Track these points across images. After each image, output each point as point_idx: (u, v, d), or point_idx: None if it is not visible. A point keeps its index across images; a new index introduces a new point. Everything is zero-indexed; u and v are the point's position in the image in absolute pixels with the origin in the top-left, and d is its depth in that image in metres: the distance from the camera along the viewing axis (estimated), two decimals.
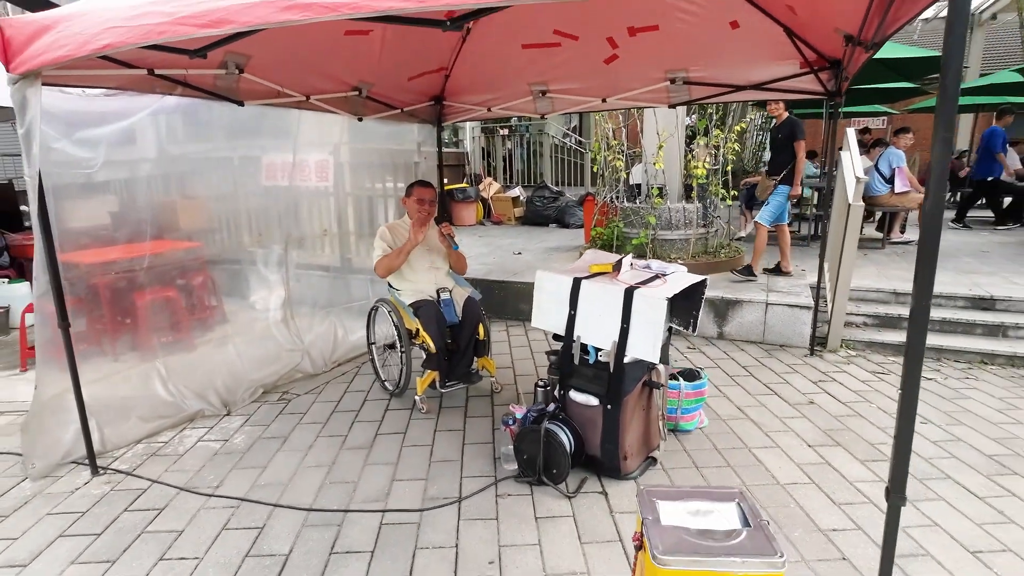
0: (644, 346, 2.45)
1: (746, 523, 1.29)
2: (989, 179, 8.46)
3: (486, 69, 4.64)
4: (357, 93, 4.25)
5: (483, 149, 11.60)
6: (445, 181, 10.39)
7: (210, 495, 2.63)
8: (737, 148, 5.97)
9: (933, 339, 4.35)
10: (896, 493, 1.48)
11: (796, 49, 3.58)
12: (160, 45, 2.07)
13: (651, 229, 5.65)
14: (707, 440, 3.08)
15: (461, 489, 2.65)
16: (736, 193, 6.31)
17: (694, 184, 5.72)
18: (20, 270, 5.95)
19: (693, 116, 6.62)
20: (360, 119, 4.50)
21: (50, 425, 2.90)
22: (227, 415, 3.49)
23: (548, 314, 2.73)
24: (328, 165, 4.71)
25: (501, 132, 11.31)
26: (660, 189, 5.82)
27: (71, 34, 2.14)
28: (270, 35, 2.69)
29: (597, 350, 2.60)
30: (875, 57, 6.08)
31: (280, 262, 4.36)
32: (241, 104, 3.53)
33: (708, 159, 5.67)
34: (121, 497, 2.62)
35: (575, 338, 2.64)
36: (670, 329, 2.95)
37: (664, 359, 2.87)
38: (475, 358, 3.61)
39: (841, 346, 4.44)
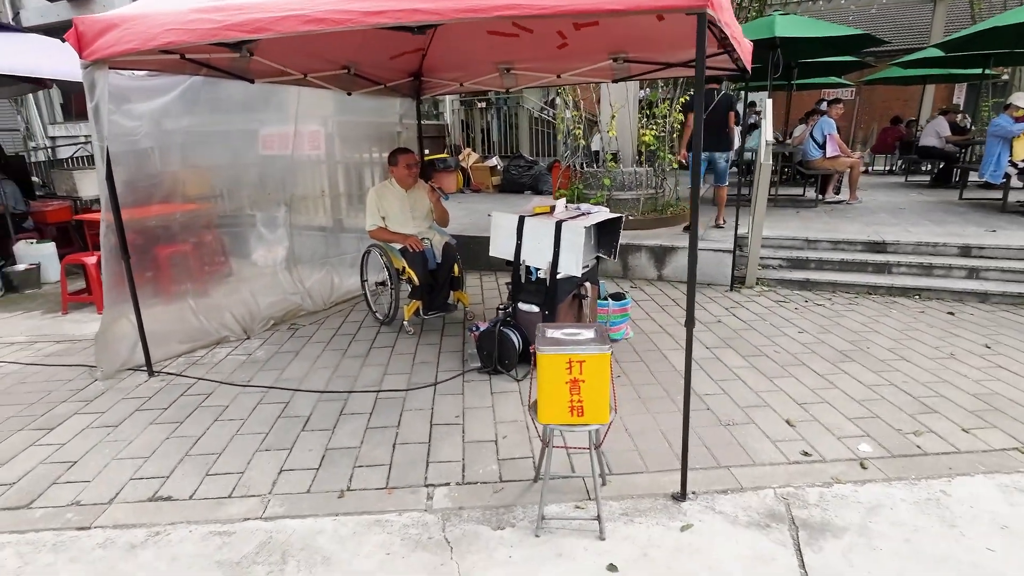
0: (569, 264, 3.29)
1: (602, 336, 2.12)
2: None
3: (458, 50, 5.34)
4: (347, 71, 4.95)
5: (463, 121, 12.25)
6: (427, 152, 11.12)
7: (245, 385, 3.45)
8: (682, 118, 6.75)
9: (831, 275, 5.26)
10: (689, 324, 2.26)
11: (712, 34, 4.36)
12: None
13: (606, 190, 6.46)
14: (630, 346, 3.95)
15: (436, 378, 3.50)
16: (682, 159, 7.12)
17: (643, 150, 6.52)
18: (41, 233, 6.62)
19: (647, 90, 7.38)
20: (349, 94, 5.22)
21: (112, 341, 3.68)
22: (247, 339, 4.29)
23: (501, 245, 3.55)
24: (320, 136, 5.43)
25: (479, 105, 11.97)
26: (614, 155, 6.62)
27: (137, 32, 2.87)
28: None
29: (537, 270, 3.43)
30: (812, 36, 6.88)
31: (283, 221, 5.11)
32: (252, 81, 4.25)
33: (655, 128, 6.46)
34: (177, 388, 3.44)
35: (521, 262, 3.47)
36: (597, 257, 3.81)
37: (594, 280, 3.73)
38: (451, 292, 4.44)
39: (757, 283, 5.33)
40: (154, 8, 2.92)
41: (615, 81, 5.31)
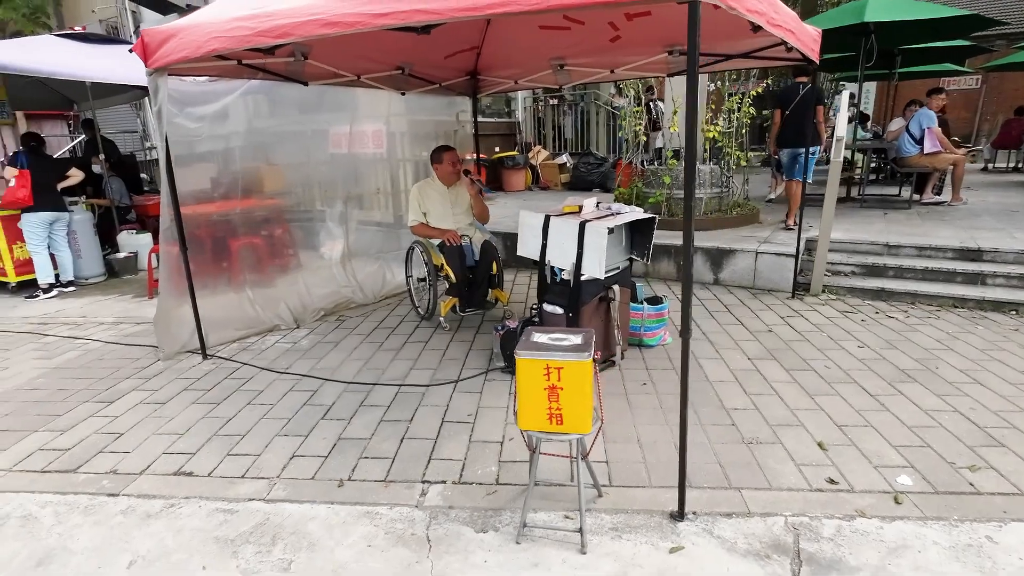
0: (592, 265, 3.19)
1: (589, 342, 2.04)
2: None
3: (511, 47, 5.34)
4: (400, 71, 5.09)
5: (536, 118, 12.23)
6: (497, 149, 11.22)
7: (281, 372, 3.65)
8: (753, 112, 6.33)
9: (911, 285, 4.75)
10: (685, 333, 2.11)
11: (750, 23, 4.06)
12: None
13: (666, 189, 6.21)
14: (665, 352, 3.78)
15: (459, 375, 3.52)
16: (751, 155, 6.69)
17: (706, 147, 6.19)
18: (143, 224, 7.35)
19: (717, 83, 7.00)
20: (403, 93, 5.36)
21: (172, 326, 4.02)
22: (296, 328, 4.54)
23: (527, 244, 3.51)
24: (381, 134, 5.63)
25: (552, 101, 11.89)
26: (676, 152, 6.34)
27: (189, 41, 3.11)
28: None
29: (561, 270, 3.36)
30: (909, 19, 6.25)
31: (340, 217, 5.35)
32: (306, 84, 4.48)
33: (720, 123, 6.12)
34: (223, 371, 3.70)
35: (546, 262, 3.42)
36: (630, 259, 3.67)
37: (625, 283, 3.60)
38: (489, 290, 4.46)
39: (823, 291, 4.91)
40: (204, 18, 3.14)
41: (671, 75, 5.08)
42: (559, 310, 3.39)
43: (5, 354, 4.15)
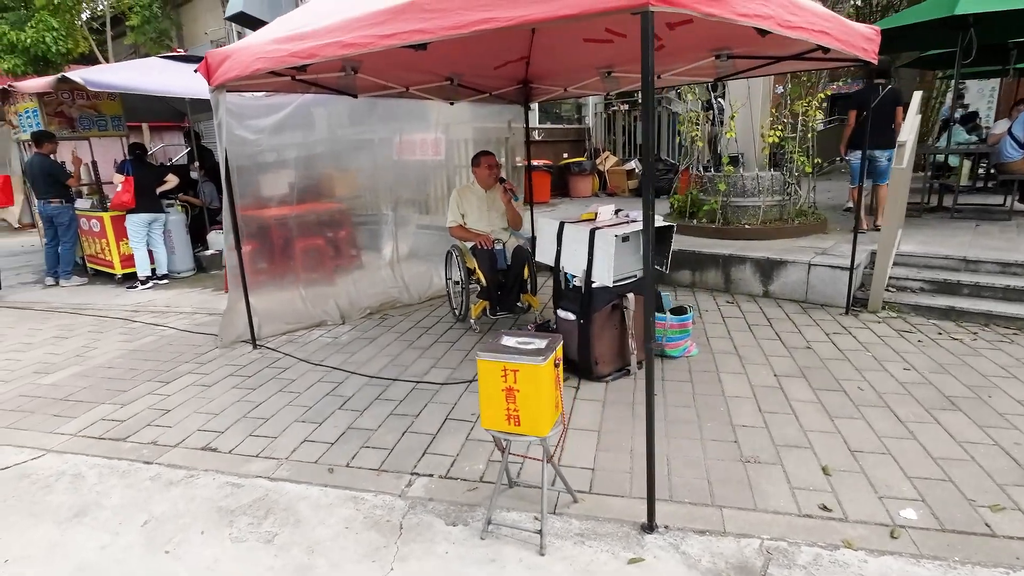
0: (601, 272, 3.19)
1: (551, 346, 2.06)
2: None
3: (559, 56, 5.39)
4: (450, 82, 5.30)
5: (607, 124, 12.13)
6: (566, 155, 11.25)
7: (315, 364, 3.94)
8: (821, 115, 5.96)
9: (987, 305, 4.29)
10: (648, 343, 2.07)
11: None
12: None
13: (721, 196, 5.99)
14: (686, 364, 3.68)
15: (474, 376, 3.62)
16: (820, 161, 6.27)
17: (766, 152, 5.90)
18: None
19: (787, 85, 6.65)
20: (451, 103, 5.57)
21: (231, 319, 4.44)
22: (342, 324, 4.85)
23: (544, 250, 3.57)
24: (433, 141, 5.88)
25: (623, 107, 11.75)
26: (733, 157, 6.10)
27: (239, 61, 3.46)
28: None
29: (574, 277, 3.38)
30: (1010, 8, 5.65)
31: (392, 220, 5.65)
32: (355, 96, 4.79)
33: (780, 127, 5.81)
34: (266, 360, 4.05)
35: (560, 268, 3.45)
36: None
37: (643, 291, 3.55)
38: (521, 294, 4.54)
39: (883, 308, 4.54)
40: (253, 40, 3.49)
41: (720, 79, 4.92)
42: (572, 316, 3.41)
43: (98, 335, 4.78)
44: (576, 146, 11.79)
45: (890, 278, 4.84)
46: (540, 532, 2.12)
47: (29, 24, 11.33)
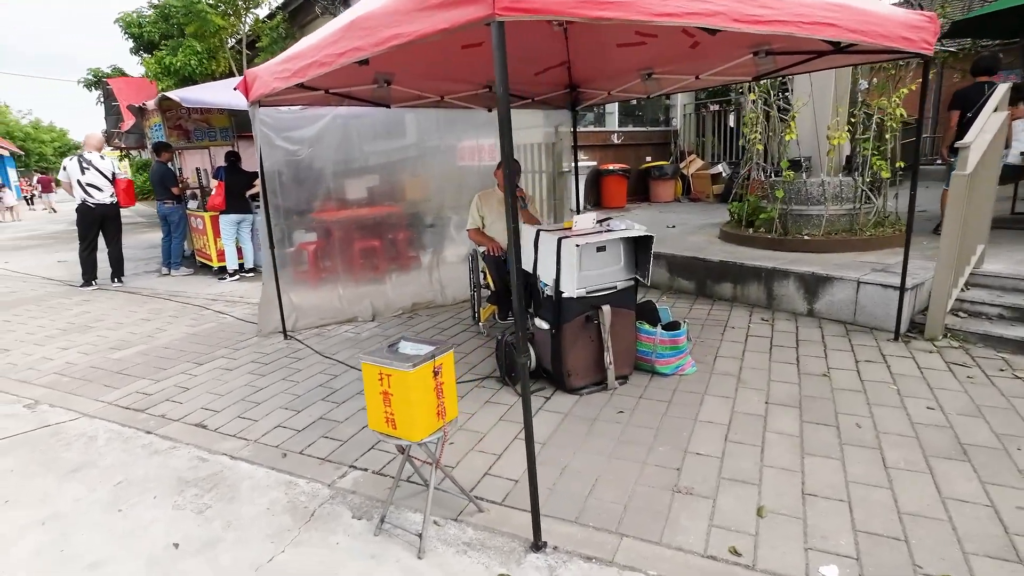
0: (567, 282, 3.12)
1: (430, 355, 2.08)
2: None
3: (599, 60, 5.31)
4: (488, 89, 5.42)
5: (697, 125, 11.55)
6: (648, 159, 10.89)
7: (325, 357, 4.25)
8: (903, 113, 5.22)
9: None
10: (522, 356, 2.01)
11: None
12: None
13: (779, 203, 5.51)
14: (675, 383, 3.47)
15: (460, 377, 3.71)
16: (903, 165, 5.50)
17: (831, 155, 5.31)
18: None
19: (872, 80, 5.92)
20: (489, 110, 5.68)
21: (267, 311, 4.91)
22: (371, 321, 5.16)
23: (525, 257, 3.54)
24: (469, 148, 6.02)
25: (712, 107, 11.10)
26: (794, 161, 5.57)
27: (264, 80, 3.84)
28: (403, 58, 4.03)
29: (546, 285, 3.33)
30: None
31: (432, 225, 5.88)
32: (388, 107, 5.07)
33: (848, 127, 5.20)
34: (288, 351, 4.44)
35: (536, 275, 3.42)
36: (636, 279, 3.46)
37: (624, 303, 3.42)
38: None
39: (945, 335, 3.92)
40: (274, 60, 3.86)
41: (756, 78, 4.54)
42: (545, 325, 3.37)
43: (173, 319, 5.51)
44: (661, 149, 11.36)
45: (963, 301, 4.17)
46: (420, 536, 2.16)
47: (180, 49, 13.20)
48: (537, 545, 2.14)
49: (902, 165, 5.43)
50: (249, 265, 7.59)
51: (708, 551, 2.08)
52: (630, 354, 3.52)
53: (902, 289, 3.93)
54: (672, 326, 3.54)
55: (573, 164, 6.33)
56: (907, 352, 3.76)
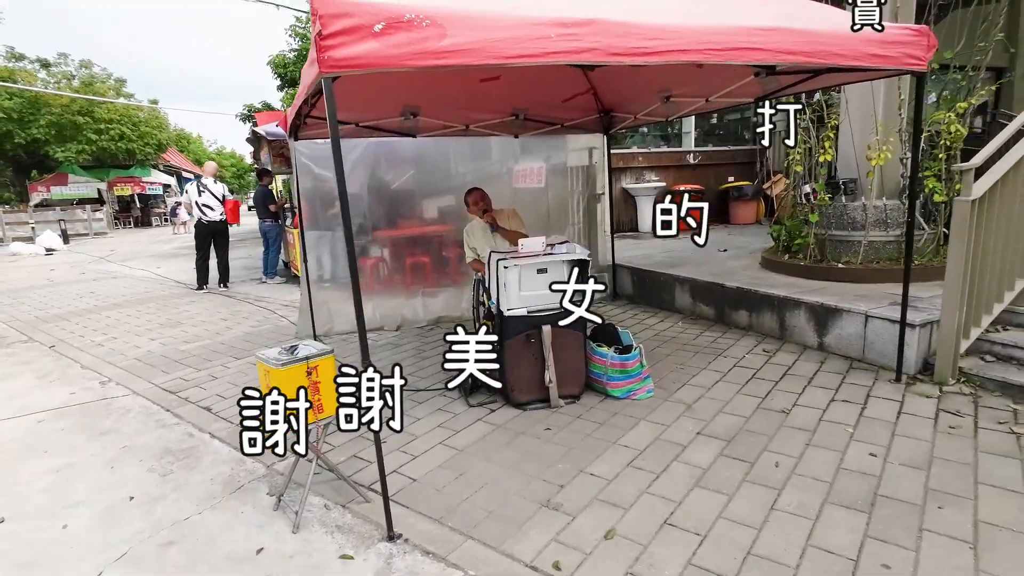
0: (505, 299, 3.31)
1: (305, 357, 2.40)
2: None
3: (621, 85, 5.41)
4: (515, 117, 5.72)
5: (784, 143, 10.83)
6: (731, 179, 10.45)
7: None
8: (958, 129, 4.63)
9: None
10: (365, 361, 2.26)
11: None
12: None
13: (814, 228, 5.15)
14: (621, 407, 3.47)
15: (430, 385, 4.02)
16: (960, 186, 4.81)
17: (871, 177, 4.85)
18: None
19: (944, 93, 5.32)
20: (516, 136, 5.97)
21: (305, 317, 5.58)
22: (395, 331, 5.65)
23: (487, 275, 3.78)
24: (505, 172, 6.34)
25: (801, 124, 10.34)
26: (833, 183, 5.18)
27: (288, 118, 4.51)
28: (430, 92, 4.53)
29: (493, 303, 3.54)
30: None
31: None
32: (414, 136, 5.56)
33: (891, 144, 4.73)
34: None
35: (489, 293, 3.64)
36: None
37: (580, 328, 3.53)
38: None
39: (959, 379, 3.48)
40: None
41: (761, 97, 4.35)
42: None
43: (243, 320, 6.44)
44: (743, 169, 10.80)
45: (994, 343, 3.66)
46: (297, 513, 2.50)
47: None
48: (391, 536, 2.38)
49: (959, 188, 4.81)
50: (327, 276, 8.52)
51: (534, 562, 2.18)
52: (579, 375, 3.59)
53: (903, 324, 3.56)
54: (624, 350, 3.56)
55: (606, 187, 6.41)
56: (898, 395, 3.40)
